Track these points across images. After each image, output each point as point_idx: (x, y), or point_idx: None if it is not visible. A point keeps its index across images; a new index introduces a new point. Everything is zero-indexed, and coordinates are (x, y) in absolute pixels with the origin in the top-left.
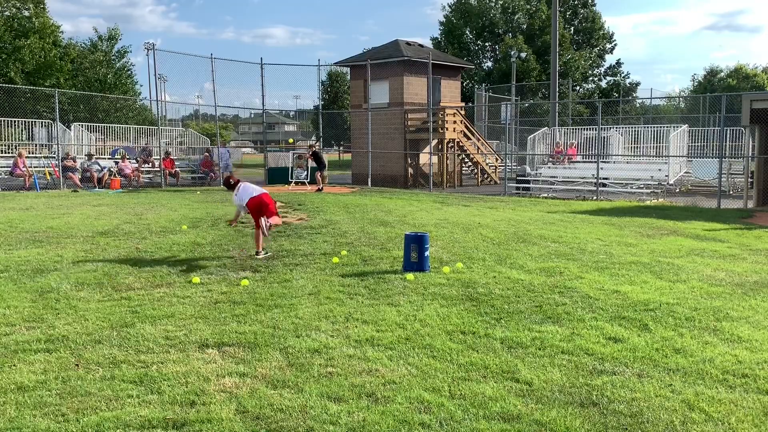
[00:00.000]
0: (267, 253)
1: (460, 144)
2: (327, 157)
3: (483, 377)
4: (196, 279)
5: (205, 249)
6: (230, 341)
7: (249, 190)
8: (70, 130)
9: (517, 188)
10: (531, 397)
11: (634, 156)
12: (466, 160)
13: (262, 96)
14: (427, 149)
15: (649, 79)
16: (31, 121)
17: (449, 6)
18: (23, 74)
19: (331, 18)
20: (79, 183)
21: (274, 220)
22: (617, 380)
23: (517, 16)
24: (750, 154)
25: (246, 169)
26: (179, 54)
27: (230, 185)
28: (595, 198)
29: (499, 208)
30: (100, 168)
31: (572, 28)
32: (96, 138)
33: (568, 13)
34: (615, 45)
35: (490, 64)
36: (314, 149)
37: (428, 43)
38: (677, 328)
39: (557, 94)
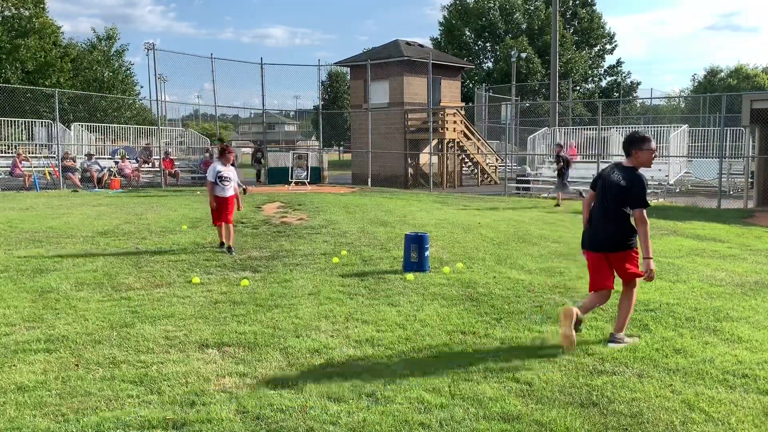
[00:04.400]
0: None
1: (460, 144)
2: (327, 156)
3: (483, 377)
4: (196, 279)
5: (205, 249)
6: (230, 341)
7: (231, 181)
8: (69, 130)
9: (517, 188)
10: (531, 397)
11: None
12: (466, 160)
13: (262, 96)
14: (427, 149)
15: (649, 79)
16: (31, 121)
17: (447, 7)
18: (23, 74)
19: (330, 18)
20: (78, 183)
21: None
22: (617, 380)
23: (515, 17)
24: (750, 154)
25: (246, 170)
26: (179, 54)
27: (224, 153)
28: None
29: (499, 208)
30: (100, 168)
31: (572, 29)
32: (96, 138)
33: (568, 13)
34: (616, 46)
35: (490, 64)
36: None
37: (428, 43)
38: (677, 328)
39: (557, 94)
